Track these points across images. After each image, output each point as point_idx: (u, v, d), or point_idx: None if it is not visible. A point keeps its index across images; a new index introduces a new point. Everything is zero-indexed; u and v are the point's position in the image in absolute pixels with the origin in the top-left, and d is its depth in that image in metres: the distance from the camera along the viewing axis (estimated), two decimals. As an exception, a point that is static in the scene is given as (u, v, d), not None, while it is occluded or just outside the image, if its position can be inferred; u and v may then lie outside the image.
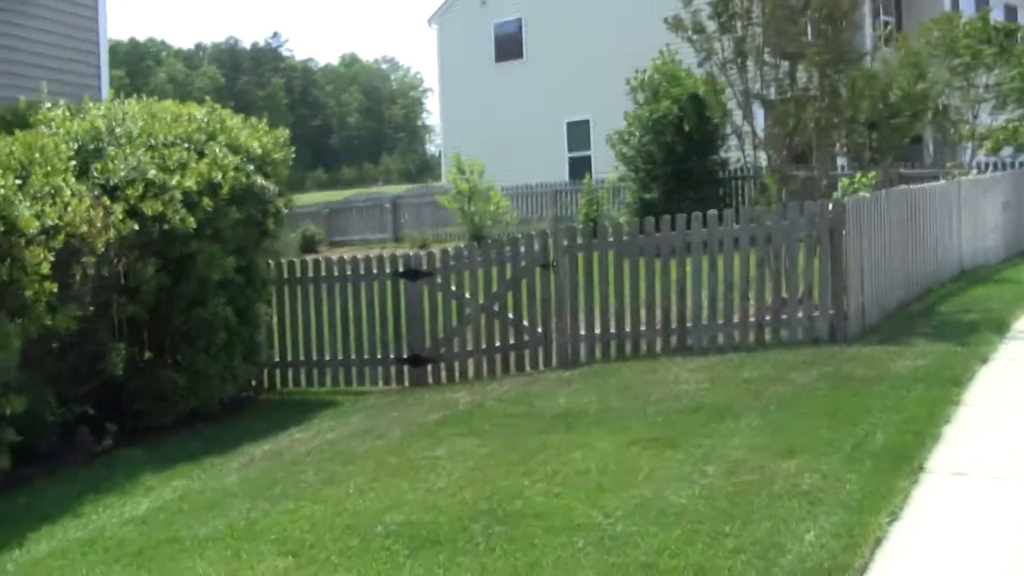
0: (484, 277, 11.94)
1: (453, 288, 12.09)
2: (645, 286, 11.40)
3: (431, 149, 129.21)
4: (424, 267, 12.19)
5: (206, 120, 11.27)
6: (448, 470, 7.53)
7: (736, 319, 11.20)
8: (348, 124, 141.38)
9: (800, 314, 11.07)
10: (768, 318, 11.18)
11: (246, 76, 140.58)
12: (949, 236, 15.11)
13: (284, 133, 12.40)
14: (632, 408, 8.87)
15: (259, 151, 11.50)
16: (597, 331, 11.62)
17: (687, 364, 10.47)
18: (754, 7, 12.43)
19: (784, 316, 11.13)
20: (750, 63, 12.66)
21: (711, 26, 12.81)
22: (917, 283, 13.57)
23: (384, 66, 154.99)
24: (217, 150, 10.73)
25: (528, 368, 11.78)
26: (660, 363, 10.71)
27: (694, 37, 12.91)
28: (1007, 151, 23.27)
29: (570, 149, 32.62)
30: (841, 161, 20.48)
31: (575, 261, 11.60)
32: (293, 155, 12.50)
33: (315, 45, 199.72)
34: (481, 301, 11.94)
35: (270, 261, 12.20)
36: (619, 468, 7.09)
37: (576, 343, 11.66)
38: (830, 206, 11.00)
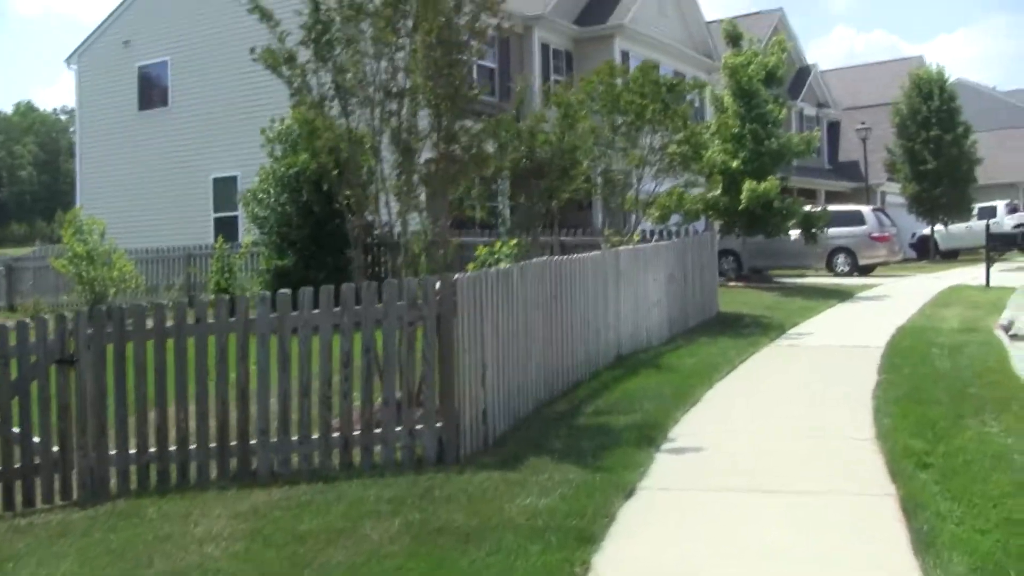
0: (-19, 376, 8.63)
1: (-62, 391, 8.69)
2: (197, 389, 8.42)
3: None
4: (-101, 361, 8.73)
5: None
6: None
7: (316, 435, 8.37)
8: (20, 178, 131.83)
9: (399, 428, 8.35)
10: (357, 433, 8.39)
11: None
12: (605, 315, 12.92)
13: None
14: (107, 596, 5.83)
15: None
16: (133, 451, 8.51)
17: (236, 504, 7.52)
18: (355, 28, 9.75)
19: (378, 430, 8.38)
20: (354, 101, 9.98)
21: (305, 55, 10.05)
22: (564, 375, 11.22)
23: (64, 117, 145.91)
24: None
25: (40, 502, 8.55)
26: (203, 501, 7.70)
27: (286, 71, 10.10)
28: (675, 219, 21.78)
29: (216, 208, 29.05)
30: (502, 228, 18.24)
31: (102, 354, 8.48)
32: None
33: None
34: (-24, 410, 8.63)
35: None
36: None
37: (105, 468, 8.51)
38: (437, 284, 8.37)
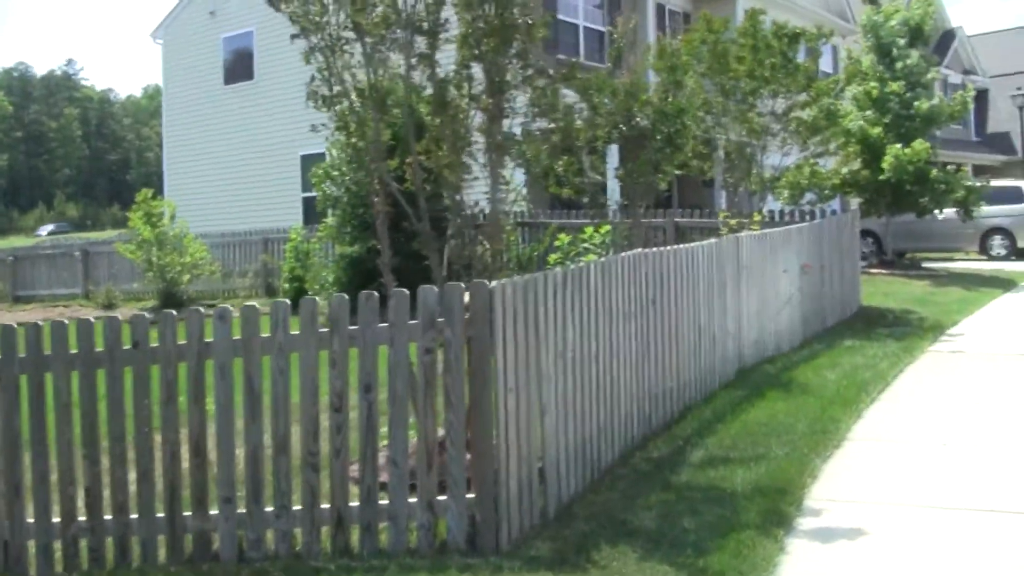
0: None
1: None
2: (136, 438, 6.04)
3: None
4: None
5: None
6: None
7: (298, 506, 5.91)
8: (147, 159, 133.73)
9: (413, 499, 5.83)
10: (355, 504, 5.90)
11: (37, 105, 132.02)
12: (723, 320, 10.23)
13: None
14: None
15: None
16: (56, 519, 6.18)
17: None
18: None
19: (384, 502, 5.87)
20: (377, 43, 7.49)
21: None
22: (666, 401, 8.60)
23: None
24: None
25: (-61, 584, 6.30)
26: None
27: (285, 6, 7.63)
28: (809, 197, 18.80)
29: (305, 188, 26.90)
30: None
31: (15, 388, 6.16)
32: None
33: (116, 75, 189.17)
34: None
35: None
36: None
37: (22, 541, 6.20)
38: (466, 296, 5.80)
